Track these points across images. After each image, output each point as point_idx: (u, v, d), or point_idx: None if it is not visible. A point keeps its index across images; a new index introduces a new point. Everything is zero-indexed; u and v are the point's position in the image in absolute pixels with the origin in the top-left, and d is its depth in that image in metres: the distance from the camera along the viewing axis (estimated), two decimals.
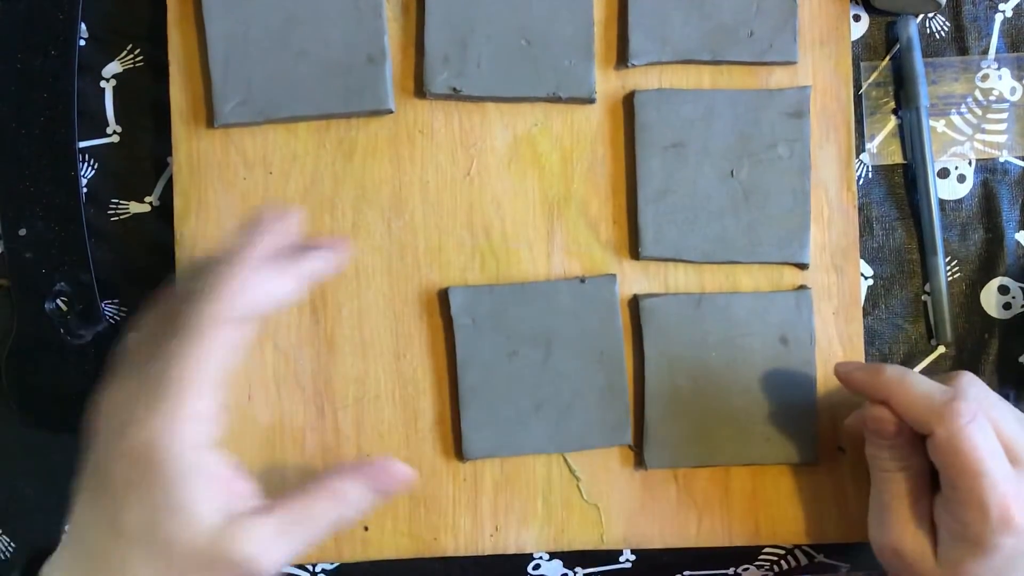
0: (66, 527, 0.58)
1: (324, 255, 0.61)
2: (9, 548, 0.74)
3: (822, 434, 0.72)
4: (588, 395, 0.71)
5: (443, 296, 0.73)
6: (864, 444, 0.67)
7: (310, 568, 0.75)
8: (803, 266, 0.73)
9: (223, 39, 0.72)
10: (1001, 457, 0.60)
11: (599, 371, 0.72)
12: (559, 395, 0.71)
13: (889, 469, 0.65)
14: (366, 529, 0.72)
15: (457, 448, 0.73)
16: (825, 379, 0.72)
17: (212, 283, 0.56)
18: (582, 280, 0.72)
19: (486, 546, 0.73)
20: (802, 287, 0.72)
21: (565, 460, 0.73)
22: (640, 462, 0.72)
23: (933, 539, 0.63)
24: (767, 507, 0.73)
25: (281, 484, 0.60)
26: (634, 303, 0.73)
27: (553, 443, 0.72)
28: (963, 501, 0.60)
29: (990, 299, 0.76)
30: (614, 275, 0.72)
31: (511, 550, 0.73)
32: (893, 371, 0.64)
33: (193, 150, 0.73)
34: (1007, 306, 0.76)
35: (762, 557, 0.76)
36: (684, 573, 0.76)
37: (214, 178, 0.73)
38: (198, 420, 0.55)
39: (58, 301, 0.73)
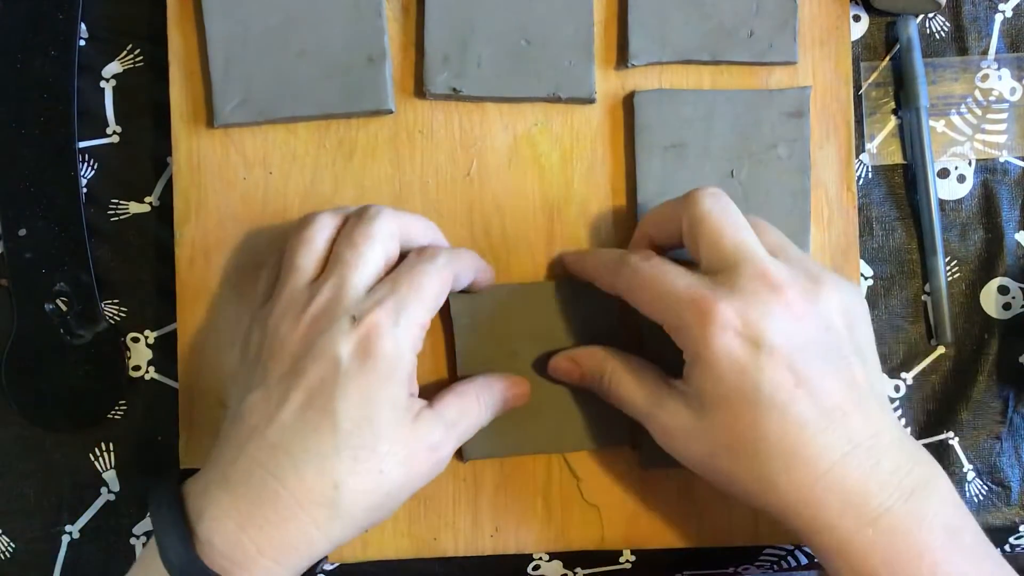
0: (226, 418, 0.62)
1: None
2: (9, 548, 0.74)
3: None
4: (588, 395, 0.70)
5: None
6: None
7: None
8: None
9: (223, 39, 0.72)
10: (680, 270, 0.62)
11: None
12: (559, 396, 0.71)
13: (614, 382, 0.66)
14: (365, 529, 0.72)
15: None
16: None
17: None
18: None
19: (486, 546, 0.73)
20: None
21: (565, 460, 0.73)
22: (640, 462, 0.72)
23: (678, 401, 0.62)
24: None
25: None
26: None
27: (552, 444, 0.72)
28: (672, 326, 0.61)
29: (990, 299, 0.76)
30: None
31: (511, 550, 0.73)
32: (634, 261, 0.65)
33: (193, 150, 0.73)
34: (1007, 306, 0.76)
35: (762, 557, 0.76)
36: (684, 573, 0.76)
37: (214, 178, 0.73)
38: (423, 330, 0.62)
39: (58, 301, 0.73)
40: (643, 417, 0.64)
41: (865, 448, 0.58)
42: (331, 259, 0.63)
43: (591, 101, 0.73)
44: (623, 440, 0.72)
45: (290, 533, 0.58)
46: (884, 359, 0.75)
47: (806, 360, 0.58)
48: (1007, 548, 0.76)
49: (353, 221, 0.63)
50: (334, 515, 0.58)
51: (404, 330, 0.60)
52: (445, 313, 0.72)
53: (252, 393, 0.60)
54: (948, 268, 0.76)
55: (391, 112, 0.73)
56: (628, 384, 0.65)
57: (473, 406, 0.65)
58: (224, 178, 0.73)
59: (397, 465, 0.60)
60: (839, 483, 0.57)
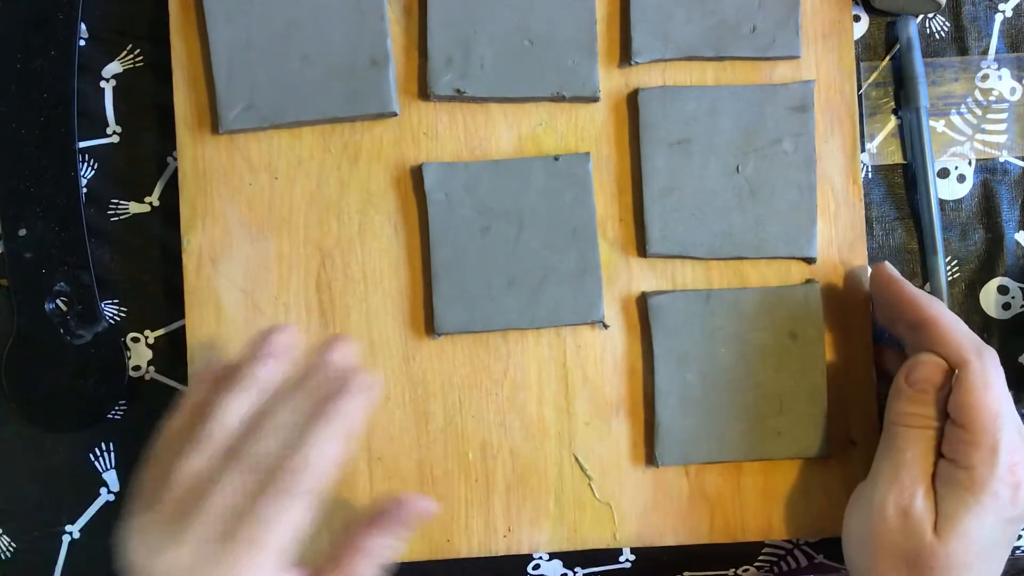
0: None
1: (356, 394, 0.61)
2: (9, 548, 0.74)
3: (833, 427, 0.72)
4: (560, 272, 0.71)
5: (417, 172, 0.73)
6: (867, 436, 0.68)
7: None
8: (810, 260, 0.73)
9: (226, 45, 0.72)
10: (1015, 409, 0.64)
11: (571, 248, 0.72)
12: (531, 271, 0.72)
13: (917, 425, 0.65)
14: None
15: (429, 326, 0.73)
16: (834, 373, 0.72)
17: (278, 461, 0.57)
18: (556, 158, 0.72)
19: (499, 547, 0.73)
20: (810, 281, 0.73)
21: (576, 459, 0.73)
22: (651, 459, 0.72)
23: (936, 505, 0.64)
24: (779, 502, 0.73)
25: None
26: (642, 301, 0.73)
27: (525, 319, 0.72)
28: (975, 442, 0.62)
29: (989, 299, 0.77)
30: (587, 153, 0.72)
31: (524, 550, 0.73)
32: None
33: (198, 156, 0.73)
34: (1006, 306, 0.76)
35: (762, 557, 0.76)
36: (684, 573, 0.76)
37: (220, 184, 0.73)
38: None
39: (58, 301, 0.73)
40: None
41: None
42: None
43: (595, 100, 0.73)
44: (596, 317, 0.72)
45: None
46: None
47: None
48: None
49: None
50: None
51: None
52: (419, 189, 0.72)
53: None
54: (948, 268, 0.76)
55: (395, 115, 0.73)
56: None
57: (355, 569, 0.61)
58: (230, 184, 0.73)
59: None
60: None
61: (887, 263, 0.70)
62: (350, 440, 0.59)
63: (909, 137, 0.76)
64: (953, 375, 0.65)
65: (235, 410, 0.60)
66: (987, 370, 0.64)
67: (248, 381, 0.61)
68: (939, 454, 0.65)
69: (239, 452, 0.58)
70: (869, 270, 0.72)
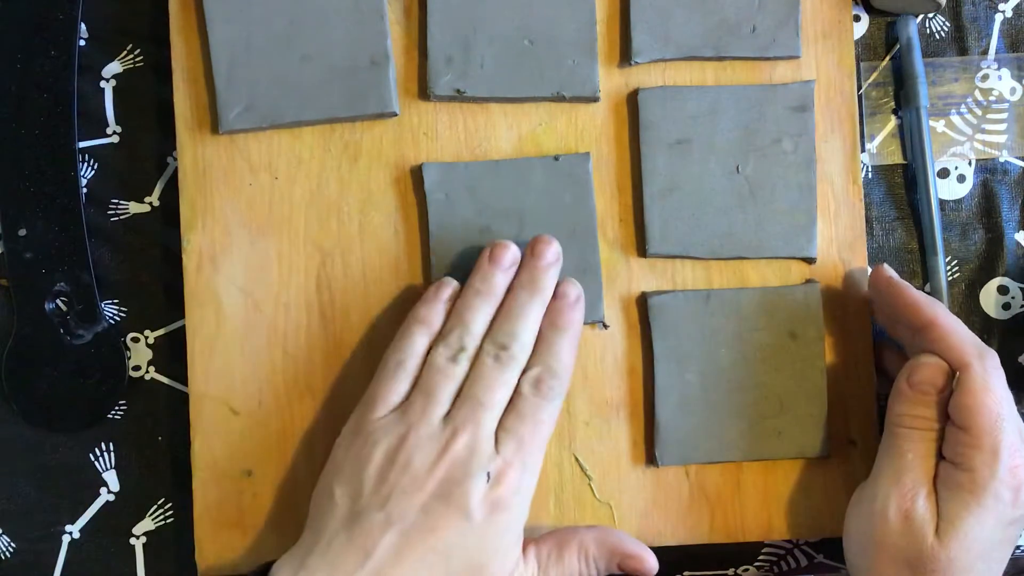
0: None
1: (579, 305, 0.69)
2: (9, 548, 0.74)
3: (832, 427, 0.72)
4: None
5: (417, 172, 0.73)
6: (866, 436, 0.68)
7: None
8: (811, 260, 0.73)
9: (226, 45, 0.72)
10: (1015, 411, 0.64)
11: (571, 248, 0.71)
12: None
13: (918, 427, 0.66)
14: None
15: None
16: (834, 372, 0.72)
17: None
18: (556, 158, 0.72)
19: None
20: (810, 281, 0.73)
21: (576, 459, 0.73)
22: (651, 459, 0.72)
23: (937, 507, 0.64)
24: (780, 502, 0.73)
25: None
26: (642, 301, 0.73)
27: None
28: (977, 444, 0.63)
29: (989, 299, 0.77)
30: (587, 153, 0.72)
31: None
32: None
33: (198, 157, 0.73)
34: (1006, 306, 0.76)
35: (762, 557, 0.76)
36: (684, 573, 0.76)
37: (220, 184, 0.73)
38: None
39: (58, 301, 0.73)
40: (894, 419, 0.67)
41: None
42: (464, 395, 0.65)
43: (595, 100, 0.73)
44: (596, 317, 0.72)
45: None
46: None
47: None
48: None
49: (490, 358, 0.66)
50: None
51: (528, 488, 0.64)
52: (419, 189, 0.72)
53: (372, 514, 0.62)
54: (948, 268, 0.76)
55: (395, 115, 0.73)
56: None
57: (573, 561, 0.67)
58: (230, 184, 0.73)
59: None
60: None
61: (885, 265, 0.70)
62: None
63: (909, 137, 0.76)
64: (954, 377, 0.65)
65: (481, 318, 0.67)
66: (988, 372, 0.64)
67: (488, 292, 0.67)
68: (940, 456, 0.65)
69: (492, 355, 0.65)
70: (869, 271, 0.72)
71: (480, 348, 0.66)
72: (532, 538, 0.66)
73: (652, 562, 0.67)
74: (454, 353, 0.65)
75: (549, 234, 0.69)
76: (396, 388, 0.65)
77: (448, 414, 0.64)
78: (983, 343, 0.66)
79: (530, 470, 0.64)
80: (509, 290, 0.68)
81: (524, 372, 0.66)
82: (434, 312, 0.67)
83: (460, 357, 0.65)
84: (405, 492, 0.62)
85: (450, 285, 0.68)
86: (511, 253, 0.68)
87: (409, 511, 0.61)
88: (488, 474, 0.62)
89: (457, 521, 0.61)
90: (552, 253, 0.68)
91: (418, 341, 0.66)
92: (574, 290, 0.68)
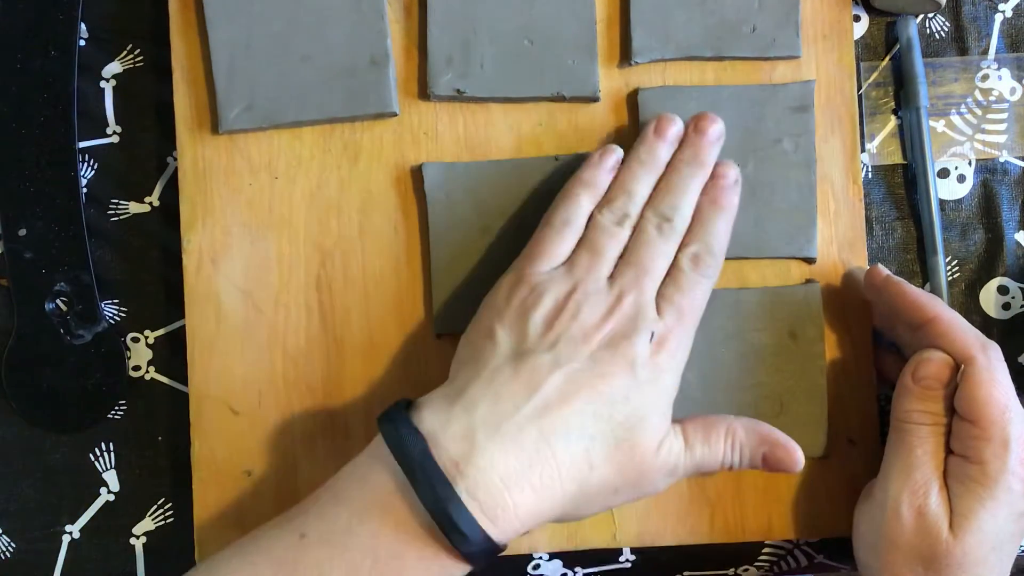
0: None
1: (735, 188, 0.69)
2: (9, 548, 0.74)
3: (832, 427, 0.72)
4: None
5: (417, 172, 0.73)
6: (866, 436, 0.68)
7: None
8: (811, 260, 0.73)
9: (226, 45, 0.72)
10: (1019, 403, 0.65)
11: None
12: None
13: (925, 423, 0.66)
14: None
15: (429, 326, 0.73)
16: (834, 372, 0.72)
17: None
18: (556, 158, 0.72)
19: None
20: (810, 281, 0.73)
21: None
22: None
23: (950, 502, 0.64)
24: (779, 501, 0.73)
25: None
26: None
27: None
28: (986, 437, 0.63)
29: (989, 299, 0.77)
30: (587, 153, 0.71)
31: (523, 550, 0.73)
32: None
33: (198, 156, 0.73)
34: (1006, 306, 0.76)
35: (762, 558, 0.76)
36: (684, 573, 0.76)
37: (220, 184, 0.73)
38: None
39: (58, 301, 0.73)
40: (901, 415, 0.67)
41: None
42: (627, 260, 0.65)
43: (595, 100, 0.73)
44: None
45: (543, 502, 0.60)
46: None
47: None
48: None
49: (653, 227, 0.66)
50: (576, 494, 0.61)
51: (681, 361, 0.65)
52: (419, 188, 0.72)
53: (539, 355, 0.62)
54: (948, 268, 0.76)
55: (395, 115, 0.73)
56: None
57: (720, 444, 0.66)
58: (230, 184, 0.73)
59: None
60: None
61: (879, 265, 0.70)
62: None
63: (909, 137, 0.76)
64: (958, 371, 0.65)
65: (644, 188, 0.67)
66: (993, 365, 0.64)
67: (652, 163, 0.68)
68: (948, 451, 0.65)
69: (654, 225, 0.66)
70: None
71: (642, 216, 0.67)
72: (678, 418, 0.66)
73: (799, 456, 0.65)
74: (619, 218, 0.66)
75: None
76: (562, 244, 0.66)
77: (612, 276, 0.65)
78: (985, 336, 0.66)
79: (684, 344, 0.65)
80: (671, 163, 0.68)
81: (682, 247, 0.66)
82: (600, 177, 0.68)
83: (625, 222, 0.66)
84: (574, 339, 0.62)
85: (615, 152, 0.68)
86: (676, 127, 0.68)
87: (577, 357, 0.62)
88: (652, 334, 0.63)
89: (623, 372, 0.62)
90: (716, 131, 0.68)
91: (584, 203, 0.67)
92: (733, 171, 0.68)
